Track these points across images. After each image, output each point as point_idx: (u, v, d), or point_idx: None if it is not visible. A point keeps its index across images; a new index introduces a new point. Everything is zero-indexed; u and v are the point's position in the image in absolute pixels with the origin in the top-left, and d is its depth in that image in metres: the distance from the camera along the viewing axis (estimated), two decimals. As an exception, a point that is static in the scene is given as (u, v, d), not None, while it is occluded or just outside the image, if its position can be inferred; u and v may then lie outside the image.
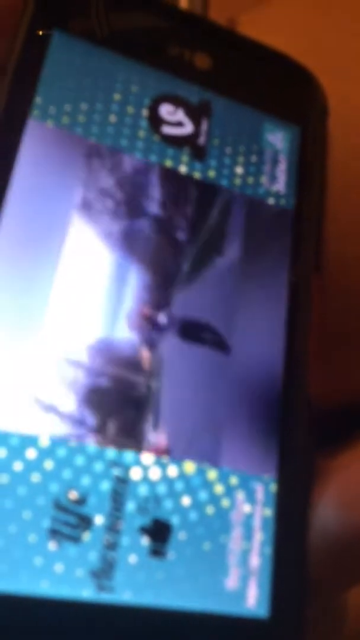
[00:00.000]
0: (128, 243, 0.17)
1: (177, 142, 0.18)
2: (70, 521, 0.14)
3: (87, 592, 0.14)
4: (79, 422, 0.15)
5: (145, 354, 0.16)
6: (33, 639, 0.13)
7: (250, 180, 0.18)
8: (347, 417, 0.21)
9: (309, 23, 0.21)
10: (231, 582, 0.15)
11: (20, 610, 0.13)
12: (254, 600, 0.15)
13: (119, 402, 0.15)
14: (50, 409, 0.14)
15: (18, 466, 0.14)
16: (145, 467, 0.15)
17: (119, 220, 0.17)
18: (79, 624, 0.13)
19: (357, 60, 0.21)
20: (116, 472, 0.14)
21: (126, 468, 0.15)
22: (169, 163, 0.18)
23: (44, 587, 0.13)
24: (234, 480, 0.15)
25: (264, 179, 0.19)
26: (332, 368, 0.20)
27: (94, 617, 0.13)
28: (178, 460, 0.15)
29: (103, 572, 0.14)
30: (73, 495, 0.14)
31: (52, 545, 0.14)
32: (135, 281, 0.16)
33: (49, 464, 0.14)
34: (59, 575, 0.13)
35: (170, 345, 0.16)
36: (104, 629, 0.13)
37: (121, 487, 0.14)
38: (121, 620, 0.14)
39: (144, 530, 0.14)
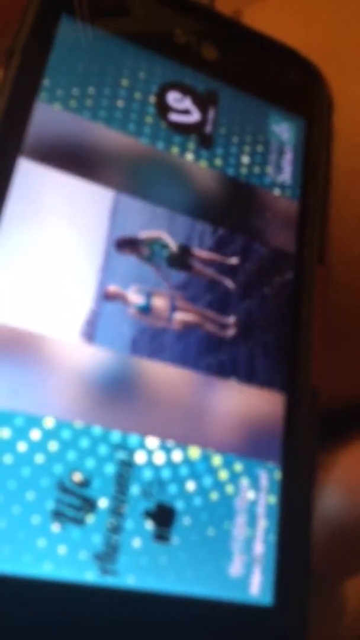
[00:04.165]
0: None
1: (184, 129, 0.18)
2: (74, 503, 0.14)
3: (90, 575, 0.13)
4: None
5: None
6: (35, 621, 0.13)
7: (257, 170, 0.18)
8: (348, 415, 0.21)
9: (313, 16, 0.21)
10: (235, 568, 0.14)
11: (22, 592, 0.13)
12: (257, 587, 0.14)
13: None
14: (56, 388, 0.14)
15: (22, 447, 0.14)
16: (150, 451, 0.15)
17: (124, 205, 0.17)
18: (82, 606, 0.13)
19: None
20: (121, 455, 0.14)
21: (131, 451, 0.14)
22: (175, 150, 0.18)
23: (47, 569, 0.13)
24: (238, 466, 0.15)
25: (269, 169, 0.19)
26: (334, 366, 0.20)
27: (97, 600, 0.13)
28: (183, 445, 0.15)
29: (106, 556, 0.14)
30: (77, 477, 0.14)
31: (55, 527, 0.13)
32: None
33: (53, 445, 0.14)
34: (62, 558, 0.13)
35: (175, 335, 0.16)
36: (106, 613, 0.13)
37: (126, 470, 0.14)
38: (124, 604, 0.13)
39: (148, 514, 0.14)
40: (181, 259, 0.16)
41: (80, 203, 0.16)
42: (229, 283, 0.17)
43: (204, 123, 0.18)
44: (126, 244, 0.16)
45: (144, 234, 0.16)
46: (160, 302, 0.16)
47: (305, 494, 0.15)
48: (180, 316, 0.16)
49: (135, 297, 0.15)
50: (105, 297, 0.15)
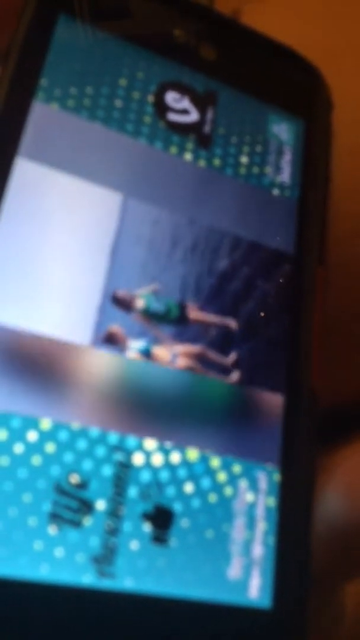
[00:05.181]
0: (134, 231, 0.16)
1: (182, 129, 0.18)
2: (71, 505, 0.14)
3: (87, 578, 0.13)
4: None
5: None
6: (32, 625, 0.13)
7: (255, 170, 0.18)
8: (349, 416, 0.21)
9: (313, 16, 0.21)
10: (233, 571, 0.14)
11: (18, 595, 0.13)
12: (256, 590, 0.14)
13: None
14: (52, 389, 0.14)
15: (19, 448, 0.14)
16: (148, 453, 0.14)
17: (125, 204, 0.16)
18: (79, 609, 0.13)
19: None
20: (118, 456, 0.14)
21: (129, 453, 0.14)
22: (173, 150, 0.18)
23: (44, 572, 0.13)
24: (237, 468, 0.15)
25: (268, 169, 0.19)
26: (334, 367, 0.20)
27: (94, 603, 0.13)
28: (181, 446, 0.15)
29: (104, 558, 0.13)
30: (74, 479, 0.14)
31: (52, 530, 0.13)
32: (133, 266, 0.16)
33: (50, 447, 0.14)
34: (59, 560, 0.13)
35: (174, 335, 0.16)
36: (104, 616, 0.13)
37: (123, 472, 0.14)
38: (121, 607, 0.13)
39: (146, 516, 0.14)
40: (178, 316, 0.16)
41: (78, 203, 0.16)
42: (231, 322, 0.16)
43: (203, 123, 0.18)
44: (121, 300, 0.15)
45: (139, 291, 0.16)
46: (160, 350, 0.15)
47: (304, 496, 0.15)
48: (182, 361, 0.15)
49: (135, 343, 0.15)
50: (106, 338, 0.15)
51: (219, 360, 0.16)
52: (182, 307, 0.16)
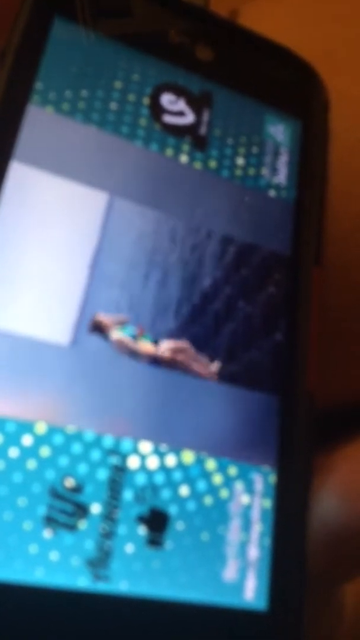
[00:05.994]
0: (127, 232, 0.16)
1: (178, 131, 0.18)
2: (67, 509, 0.14)
3: (82, 581, 0.13)
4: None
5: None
6: (27, 628, 0.13)
7: (252, 171, 0.18)
8: (347, 416, 0.21)
9: (310, 15, 0.21)
10: (229, 573, 0.14)
11: (14, 599, 0.13)
12: (252, 592, 0.14)
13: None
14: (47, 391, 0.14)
15: (14, 452, 0.14)
16: (143, 456, 0.15)
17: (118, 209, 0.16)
18: (74, 613, 0.13)
19: (357, 54, 0.21)
20: (113, 460, 0.14)
21: (123, 456, 0.14)
22: (169, 152, 0.18)
23: (39, 576, 0.13)
24: (232, 470, 0.15)
25: (265, 171, 0.19)
26: (332, 368, 0.20)
27: (90, 606, 0.13)
28: (176, 449, 0.15)
29: (99, 561, 0.13)
30: (69, 482, 0.14)
31: (47, 533, 0.13)
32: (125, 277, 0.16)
33: (45, 451, 0.14)
34: (54, 564, 0.13)
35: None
36: (99, 619, 0.13)
37: (118, 475, 0.14)
38: (117, 610, 0.13)
39: (141, 519, 0.14)
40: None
41: (73, 206, 0.16)
42: (204, 359, 0.16)
43: (199, 125, 0.18)
44: (97, 328, 0.15)
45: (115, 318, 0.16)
46: (145, 345, 0.15)
47: (300, 498, 0.15)
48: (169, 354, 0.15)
49: (120, 330, 0.15)
50: (93, 327, 0.15)
51: (203, 371, 0.16)
52: (154, 341, 0.16)
